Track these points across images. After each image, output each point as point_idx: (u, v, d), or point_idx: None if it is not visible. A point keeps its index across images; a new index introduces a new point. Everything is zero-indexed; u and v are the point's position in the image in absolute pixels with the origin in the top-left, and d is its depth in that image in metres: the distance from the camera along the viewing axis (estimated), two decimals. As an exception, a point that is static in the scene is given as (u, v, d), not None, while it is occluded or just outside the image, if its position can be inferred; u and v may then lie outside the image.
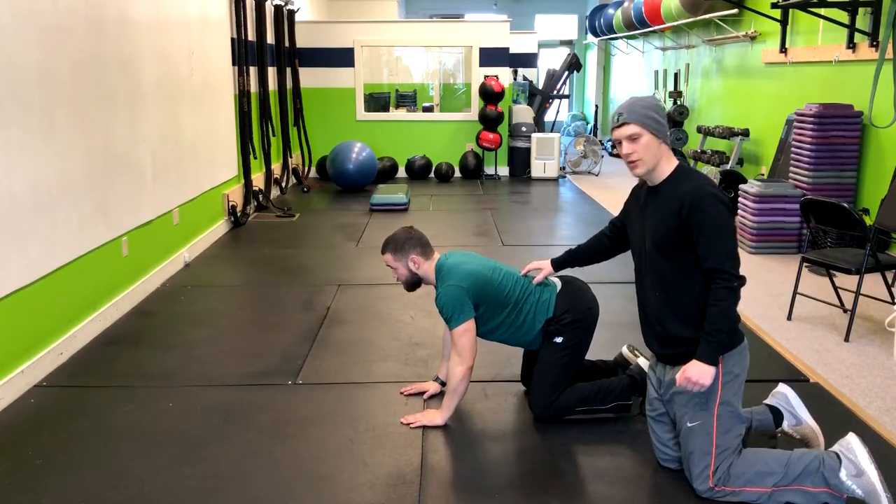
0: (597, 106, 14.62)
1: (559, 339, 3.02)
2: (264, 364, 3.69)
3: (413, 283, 3.14)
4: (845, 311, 4.35)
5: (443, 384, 3.32)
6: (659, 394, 2.65)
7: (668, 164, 2.50)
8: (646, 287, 2.61)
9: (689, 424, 2.47)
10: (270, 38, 8.40)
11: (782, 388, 2.82)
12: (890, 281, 4.40)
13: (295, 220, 7.19)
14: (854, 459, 2.36)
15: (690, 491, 2.51)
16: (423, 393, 3.30)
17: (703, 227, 2.37)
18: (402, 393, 3.33)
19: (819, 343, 3.97)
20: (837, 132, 5.72)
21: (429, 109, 10.84)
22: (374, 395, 3.35)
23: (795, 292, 4.38)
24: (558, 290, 3.09)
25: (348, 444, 2.91)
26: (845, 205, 4.12)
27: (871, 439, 2.85)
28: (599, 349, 3.71)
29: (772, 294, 4.78)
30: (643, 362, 3.11)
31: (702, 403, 2.46)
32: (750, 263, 5.48)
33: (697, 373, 2.38)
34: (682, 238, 2.42)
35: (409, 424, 3.02)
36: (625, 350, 3.25)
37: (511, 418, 3.11)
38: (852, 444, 2.40)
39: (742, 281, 2.40)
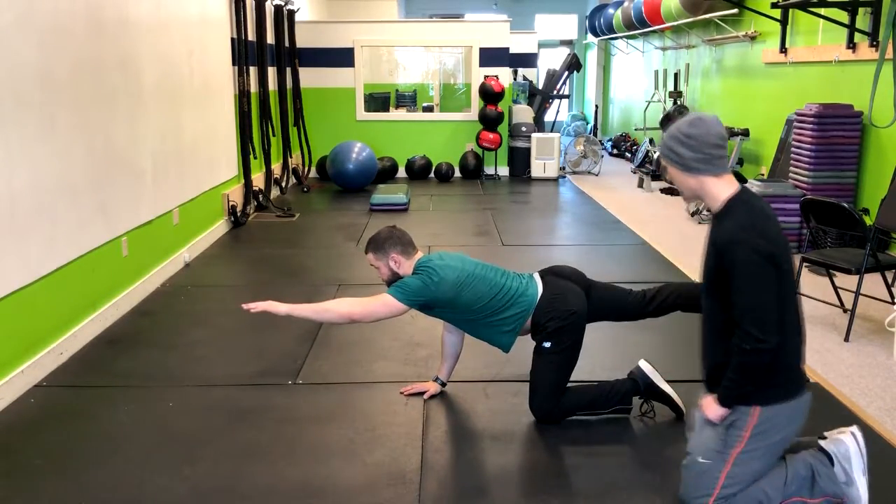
0: (597, 106, 14.61)
1: (548, 345, 3.00)
2: (264, 364, 3.69)
3: (394, 282, 3.10)
4: (845, 311, 4.35)
5: (443, 384, 3.32)
6: None
7: (718, 192, 2.30)
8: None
9: (700, 459, 2.34)
10: (270, 38, 8.40)
11: (849, 440, 2.37)
12: (890, 281, 4.39)
13: (295, 220, 7.19)
14: (847, 469, 2.30)
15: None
16: (423, 393, 3.30)
17: (733, 277, 2.21)
18: (402, 393, 3.33)
19: (819, 343, 3.97)
20: (837, 132, 5.71)
21: (429, 109, 10.83)
22: (374, 395, 3.35)
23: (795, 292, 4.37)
24: (538, 297, 3.03)
25: (348, 444, 2.91)
26: (845, 205, 4.12)
27: (871, 439, 2.85)
28: (598, 349, 3.71)
29: (772, 294, 4.77)
30: (645, 366, 3.11)
31: (720, 445, 2.31)
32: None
33: (708, 405, 2.32)
34: (720, 278, 2.28)
35: (249, 309, 2.94)
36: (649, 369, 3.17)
37: (511, 418, 3.11)
38: (850, 453, 2.31)
39: (766, 344, 2.15)
